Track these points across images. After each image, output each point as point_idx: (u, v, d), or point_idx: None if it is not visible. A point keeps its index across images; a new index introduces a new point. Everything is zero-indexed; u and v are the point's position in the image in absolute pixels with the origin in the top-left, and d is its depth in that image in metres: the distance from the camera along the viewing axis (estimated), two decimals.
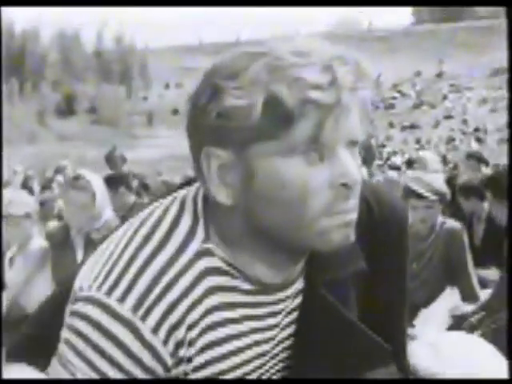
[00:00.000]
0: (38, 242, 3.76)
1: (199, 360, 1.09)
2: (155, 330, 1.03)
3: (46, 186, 15.22)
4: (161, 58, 64.19)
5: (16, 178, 16.24)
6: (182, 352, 1.07)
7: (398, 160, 31.34)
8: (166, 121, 49.03)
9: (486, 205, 5.18)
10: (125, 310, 1.03)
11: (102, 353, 1.03)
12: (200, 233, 1.09)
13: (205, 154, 1.05)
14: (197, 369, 1.09)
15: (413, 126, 45.27)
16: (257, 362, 1.15)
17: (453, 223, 4.01)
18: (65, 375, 1.06)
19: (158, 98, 57.88)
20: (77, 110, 53.63)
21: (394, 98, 53.46)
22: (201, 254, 1.08)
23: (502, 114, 41.98)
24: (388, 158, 32.62)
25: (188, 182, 1.22)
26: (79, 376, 1.04)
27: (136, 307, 1.03)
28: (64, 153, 34.93)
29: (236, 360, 1.12)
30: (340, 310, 1.16)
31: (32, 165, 24.73)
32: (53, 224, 5.23)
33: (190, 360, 1.08)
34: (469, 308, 3.77)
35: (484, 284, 4.76)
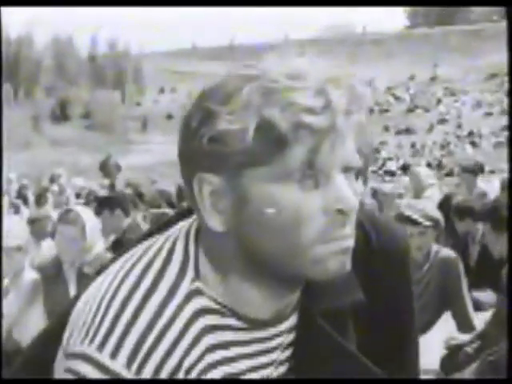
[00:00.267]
0: (30, 275, 3.75)
1: None
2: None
3: (41, 195, 15.21)
4: (155, 62, 64.17)
5: (11, 188, 16.20)
6: None
7: (393, 165, 31.50)
8: (160, 126, 49.00)
9: (480, 226, 5.18)
10: (118, 365, 1.01)
11: None
12: (190, 272, 1.08)
13: (197, 180, 1.03)
14: None
15: (407, 130, 45.33)
16: None
17: (447, 252, 4.03)
18: None
19: (153, 103, 57.85)
20: (71, 115, 53.56)
21: (389, 102, 53.52)
22: (191, 296, 1.06)
23: (496, 118, 42.05)
24: (383, 164, 32.76)
25: (182, 213, 1.21)
26: None
27: (130, 361, 1.01)
28: (58, 159, 34.90)
29: None
30: (338, 341, 1.14)
31: (26, 172, 24.72)
32: (44, 256, 5.22)
33: None
34: (465, 337, 3.77)
35: (479, 306, 4.75)
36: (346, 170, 1.03)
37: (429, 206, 4.11)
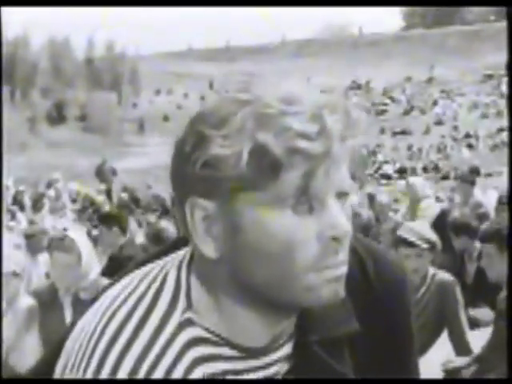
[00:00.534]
0: (26, 301, 3.74)
1: None
2: None
3: (38, 200, 15.21)
4: (151, 63, 64.07)
5: (7, 194, 16.19)
6: None
7: (389, 169, 31.50)
8: (157, 127, 48.92)
9: (477, 243, 5.18)
10: None
11: None
12: (181, 301, 1.07)
13: (189, 205, 1.02)
14: None
15: (404, 132, 45.30)
16: None
17: (444, 275, 4.04)
18: None
19: (149, 105, 57.76)
20: (67, 117, 53.45)
21: (385, 103, 53.51)
22: (182, 326, 1.06)
23: (493, 120, 42.05)
24: (379, 167, 32.73)
25: (175, 244, 1.20)
26: None
27: None
28: (55, 162, 34.83)
29: None
30: (335, 368, 1.13)
31: (23, 175, 24.67)
32: (40, 282, 5.23)
33: None
34: (462, 361, 3.77)
35: (475, 323, 4.75)
36: (340, 195, 1.02)
37: (425, 228, 4.13)
